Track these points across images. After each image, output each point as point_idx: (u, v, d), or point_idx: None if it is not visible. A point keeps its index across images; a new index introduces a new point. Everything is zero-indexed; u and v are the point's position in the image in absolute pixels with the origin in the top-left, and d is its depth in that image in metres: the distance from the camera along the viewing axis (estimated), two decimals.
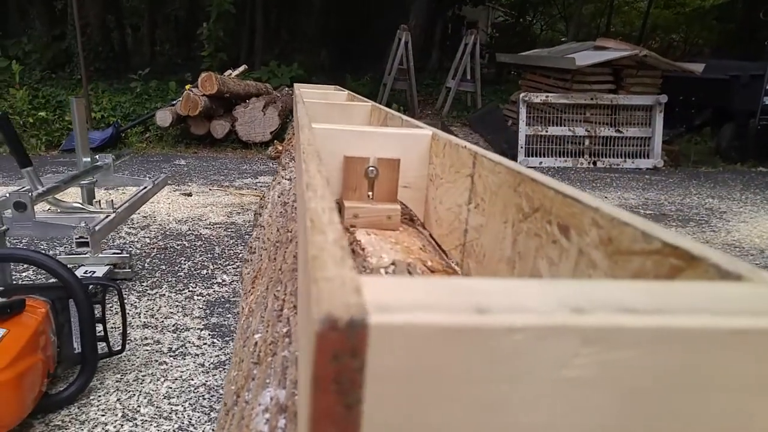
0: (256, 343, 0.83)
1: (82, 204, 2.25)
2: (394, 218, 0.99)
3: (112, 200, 2.22)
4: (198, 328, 2.19)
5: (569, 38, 9.94)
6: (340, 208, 0.99)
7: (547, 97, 5.44)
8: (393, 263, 0.81)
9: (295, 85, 2.82)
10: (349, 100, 2.33)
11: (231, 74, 6.29)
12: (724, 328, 0.27)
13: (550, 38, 12.73)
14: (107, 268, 2.43)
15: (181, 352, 2.01)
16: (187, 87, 5.71)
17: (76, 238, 1.80)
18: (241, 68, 6.54)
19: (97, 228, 1.89)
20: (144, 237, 3.22)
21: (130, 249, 2.97)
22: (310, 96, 2.24)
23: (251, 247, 1.49)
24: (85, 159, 2.47)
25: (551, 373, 0.27)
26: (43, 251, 2.81)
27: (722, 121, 6.06)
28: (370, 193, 1.04)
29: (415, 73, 8.09)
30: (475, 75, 8.24)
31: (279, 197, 1.59)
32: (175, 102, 5.86)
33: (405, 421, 0.27)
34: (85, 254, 2.43)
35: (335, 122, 1.95)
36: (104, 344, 1.78)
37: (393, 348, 0.26)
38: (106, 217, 2.03)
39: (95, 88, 7.37)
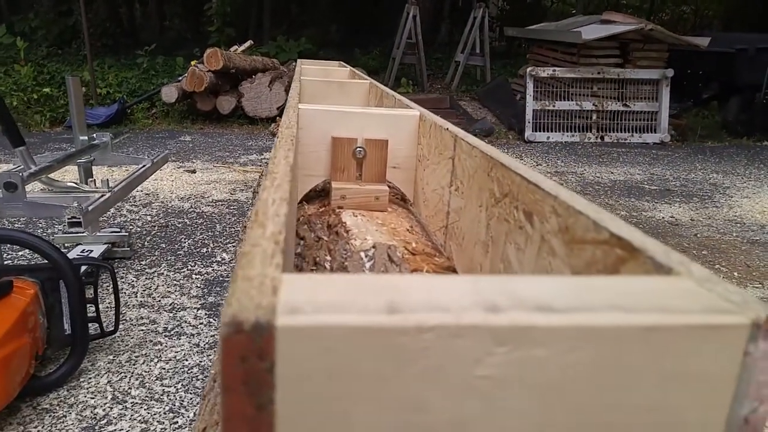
0: None
1: (76, 183, 2.27)
2: (382, 199, 0.99)
3: (107, 179, 2.23)
4: (195, 308, 2.22)
5: (579, 11, 9.69)
6: (329, 189, 0.99)
7: (554, 71, 5.34)
8: (374, 246, 0.82)
9: (299, 61, 2.79)
10: (350, 78, 2.31)
11: (237, 50, 6.25)
12: (635, 326, 0.27)
13: (561, 11, 12.41)
14: (105, 247, 2.47)
15: (177, 332, 2.04)
16: (193, 63, 5.68)
17: (68, 219, 1.82)
18: (248, 44, 6.48)
19: (90, 208, 1.91)
20: (146, 215, 3.25)
21: (131, 227, 3.01)
22: (310, 73, 2.22)
23: (245, 227, 1.50)
24: (81, 137, 2.48)
25: (465, 372, 0.27)
26: (38, 232, 2.86)
27: (729, 94, 5.97)
28: (359, 174, 1.03)
29: (424, 47, 7.96)
30: (484, 49, 8.09)
31: None
32: (180, 78, 5.84)
33: (321, 421, 0.27)
34: (81, 233, 2.47)
35: (332, 100, 1.93)
36: (97, 325, 1.80)
37: (303, 349, 0.26)
38: (101, 196, 2.04)
39: (101, 63, 7.37)
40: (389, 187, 1.05)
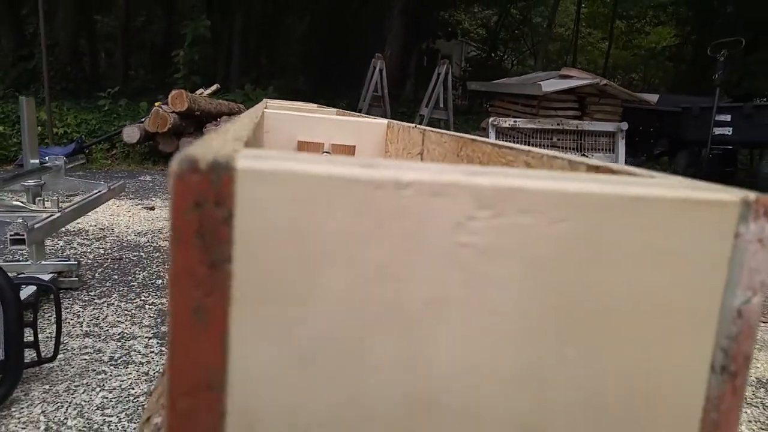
0: None
1: (23, 203, 2.13)
2: None
3: (57, 199, 2.11)
4: (146, 337, 2.06)
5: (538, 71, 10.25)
6: None
7: (515, 122, 5.53)
8: None
9: (265, 100, 2.78)
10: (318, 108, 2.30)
11: (203, 93, 6.24)
12: (623, 195, 0.25)
13: (520, 72, 13.15)
14: (50, 276, 2.30)
15: (124, 360, 1.88)
16: (157, 103, 5.62)
17: (11, 235, 1.68)
18: (214, 87, 6.50)
19: (36, 226, 1.78)
20: (98, 248, 3.07)
21: (81, 259, 2.83)
22: (274, 106, 2.20)
23: None
24: (32, 160, 2.36)
25: (446, 238, 0.24)
26: None
27: (677, 150, 6.34)
28: None
29: (390, 101, 8.17)
30: (448, 104, 8.36)
31: None
32: (143, 119, 5.76)
33: (284, 287, 0.23)
34: (26, 261, 2.30)
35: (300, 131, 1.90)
36: (33, 352, 1.63)
37: (266, 197, 0.22)
38: (49, 216, 1.91)
39: (60, 105, 7.21)
40: None
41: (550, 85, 5.34)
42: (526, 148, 0.54)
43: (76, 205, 2.10)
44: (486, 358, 0.25)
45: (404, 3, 10.02)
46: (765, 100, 7.10)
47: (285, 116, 1.31)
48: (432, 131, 1.00)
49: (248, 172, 0.22)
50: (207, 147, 0.24)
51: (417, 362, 0.24)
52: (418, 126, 1.14)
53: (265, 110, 1.08)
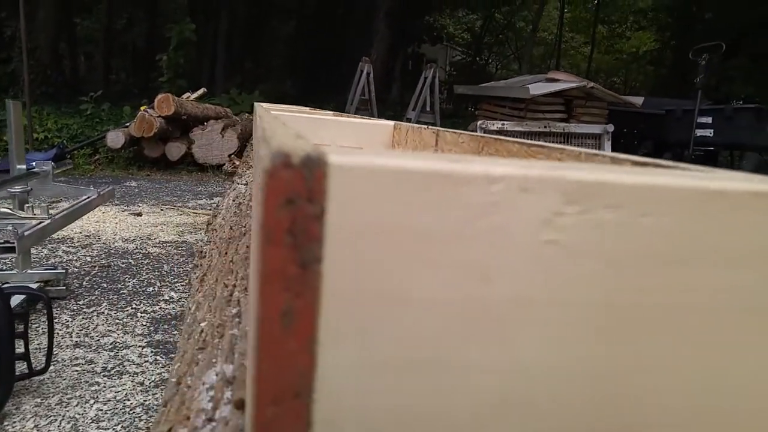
0: (201, 330, 0.74)
1: (11, 210, 2.07)
2: None
3: (47, 205, 2.05)
4: (140, 346, 2.01)
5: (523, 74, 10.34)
6: None
7: (503, 125, 5.55)
8: None
9: (256, 104, 2.74)
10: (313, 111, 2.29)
11: (189, 97, 6.17)
12: (714, 190, 0.23)
13: (505, 76, 13.27)
14: (36, 285, 2.23)
15: (118, 371, 1.83)
16: (142, 107, 5.54)
17: (0, 243, 1.63)
18: (201, 91, 6.43)
19: (26, 233, 1.72)
20: (85, 255, 3.01)
21: (67, 267, 2.76)
22: (273, 109, 2.19)
23: (202, 252, 1.39)
24: (19, 166, 2.29)
25: (532, 235, 0.23)
26: None
27: (661, 151, 6.45)
28: None
29: (377, 104, 8.16)
30: (435, 107, 8.38)
31: (234, 201, 1.51)
32: (128, 124, 5.67)
33: (373, 288, 0.22)
34: (10, 271, 2.24)
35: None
36: (24, 363, 1.59)
37: (358, 193, 0.21)
38: (39, 223, 1.86)
39: (40, 110, 7.07)
40: None
41: (538, 88, 5.38)
42: (559, 146, 0.51)
43: (65, 212, 2.05)
44: (571, 359, 0.24)
45: (390, 6, 10.03)
46: (741, 102, 7.25)
47: (289, 117, 1.29)
48: (447, 131, 0.98)
49: (340, 167, 0.21)
50: (292, 141, 0.23)
51: (504, 364, 0.24)
52: (429, 126, 1.12)
53: (272, 112, 1.06)
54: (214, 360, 0.55)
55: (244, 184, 1.69)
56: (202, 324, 0.74)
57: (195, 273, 1.31)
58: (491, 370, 0.24)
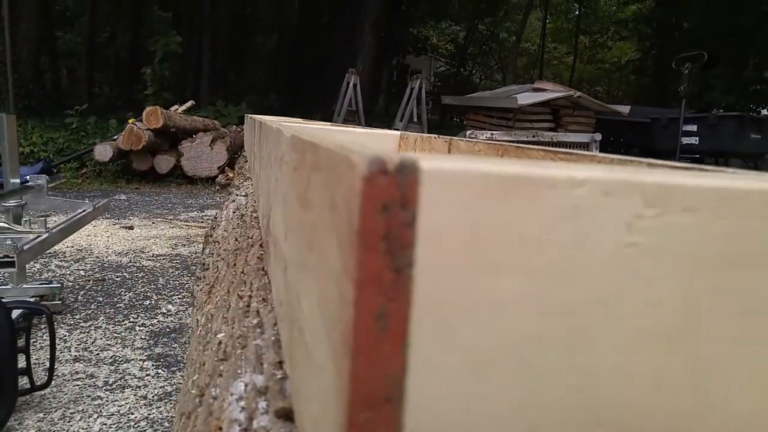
0: (220, 342, 0.74)
1: (8, 224, 2.04)
2: None
3: (44, 219, 2.02)
4: (140, 359, 1.98)
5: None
6: None
7: (491, 134, 5.61)
8: None
9: (254, 116, 2.74)
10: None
11: (177, 109, 6.14)
12: None
13: (488, 87, 13.41)
14: (32, 300, 2.20)
15: (120, 385, 1.81)
16: (131, 120, 5.50)
17: (0, 258, 1.61)
18: (189, 104, 6.40)
19: (25, 247, 1.70)
20: (78, 269, 2.96)
21: (61, 281, 2.72)
22: (275, 120, 2.19)
23: (204, 264, 1.38)
24: (13, 180, 2.27)
25: (614, 239, 0.24)
26: None
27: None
28: None
29: (364, 116, 8.20)
30: (422, 118, 8.44)
31: (234, 212, 1.51)
32: (116, 137, 5.62)
33: (461, 293, 0.23)
34: (6, 286, 2.20)
35: None
36: (26, 378, 1.56)
37: (447, 199, 0.22)
38: (37, 237, 1.84)
39: (24, 124, 6.98)
40: None
41: (526, 98, 5.45)
42: (590, 153, 0.53)
43: (63, 225, 2.03)
44: (650, 362, 0.25)
45: (376, 18, 10.12)
46: (722, 111, 7.41)
47: (295, 128, 1.28)
48: (460, 140, 0.98)
49: (432, 173, 0.21)
50: (379, 150, 0.24)
51: (586, 369, 0.24)
52: (440, 136, 1.13)
53: (281, 124, 1.06)
54: (239, 371, 0.55)
55: (244, 196, 1.68)
56: (219, 335, 0.73)
57: (198, 285, 1.31)
58: (572, 375, 0.24)
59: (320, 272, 0.29)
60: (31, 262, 2.92)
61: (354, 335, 0.22)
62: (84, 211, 2.29)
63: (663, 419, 0.25)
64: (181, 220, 4.30)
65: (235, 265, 1.01)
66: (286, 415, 0.41)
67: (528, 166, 0.23)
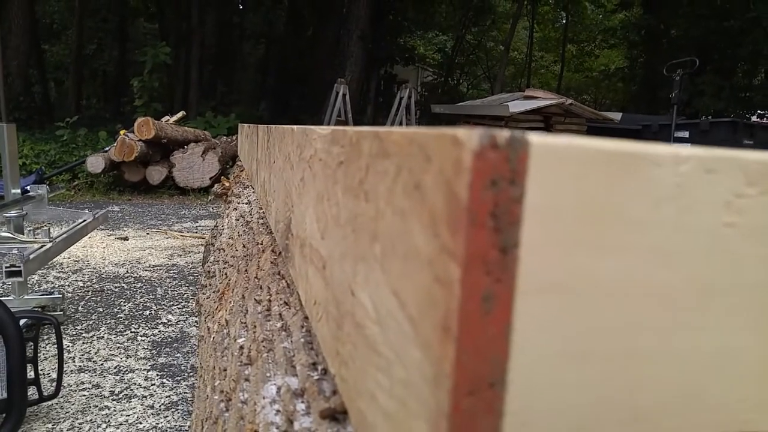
0: (241, 346, 0.74)
1: (12, 234, 2.03)
2: None
3: (48, 229, 2.02)
4: (144, 369, 1.98)
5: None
6: None
7: None
8: None
9: (242, 124, 2.75)
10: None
11: (168, 120, 6.13)
12: None
13: (477, 96, 13.50)
14: (38, 310, 2.18)
15: (126, 394, 1.80)
16: (122, 132, 5.48)
17: (6, 267, 1.60)
18: (180, 114, 6.39)
19: (31, 256, 1.70)
20: (76, 280, 2.95)
21: (62, 292, 2.70)
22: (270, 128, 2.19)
23: (209, 272, 1.38)
24: (14, 190, 2.26)
25: (714, 216, 0.23)
26: None
27: None
28: None
29: (353, 125, 8.23)
30: (411, 125, 8.50)
31: (238, 220, 1.51)
32: (108, 148, 5.59)
33: (565, 273, 0.22)
34: (8, 297, 2.18)
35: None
36: (34, 389, 1.55)
37: (555, 175, 0.21)
38: (41, 246, 1.84)
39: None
40: None
41: (517, 105, 5.52)
42: None
43: (66, 235, 2.02)
44: (750, 345, 0.24)
45: (363, 28, 10.19)
46: (711, 117, 7.51)
47: (323, 128, 1.29)
48: None
49: (542, 147, 0.21)
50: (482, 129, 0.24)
51: (684, 352, 0.24)
52: None
53: (293, 126, 1.08)
54: (268, 374, 0.54)
55: (246, 204, 1.69)
56: (240, 340, 0.74)
57: (205, 293, 1.31)
58: (671, 358, 0.24)
59: (394, 260, 0.28)
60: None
61: (460, 318, 0.21)
62: (84, 221, 2.28)
63: (758, 411, 0.25)
64: (175, 231, 4.28)
65: (246, 270, 1.02)
66: (332, 416, 0.38)
67: (633, 145, 0.23)
